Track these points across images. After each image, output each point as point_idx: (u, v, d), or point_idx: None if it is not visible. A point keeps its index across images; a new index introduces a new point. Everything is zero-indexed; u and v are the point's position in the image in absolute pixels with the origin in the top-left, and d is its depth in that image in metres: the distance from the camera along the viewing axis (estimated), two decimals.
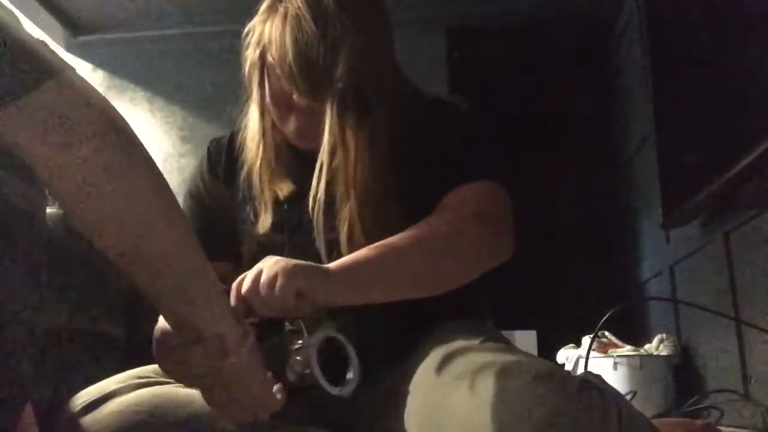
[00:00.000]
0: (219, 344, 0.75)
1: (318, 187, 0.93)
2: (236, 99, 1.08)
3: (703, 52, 1.74)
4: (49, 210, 0.80)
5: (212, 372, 0.76)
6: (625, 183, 2.93)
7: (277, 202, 1.02)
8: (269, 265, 0.82)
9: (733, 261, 1.79)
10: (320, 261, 0.92)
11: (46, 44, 0.67)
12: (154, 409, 0.87)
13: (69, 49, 2.95)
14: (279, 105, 0.99)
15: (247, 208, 1.05)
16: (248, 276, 0.82)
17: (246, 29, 1.02)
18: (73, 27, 2.94)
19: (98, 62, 2.99)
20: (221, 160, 1.11)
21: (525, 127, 3.00)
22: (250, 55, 1.01)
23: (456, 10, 2.89)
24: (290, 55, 0.91)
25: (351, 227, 0.93)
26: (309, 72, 0.91)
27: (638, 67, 2.52)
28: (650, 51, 2.25)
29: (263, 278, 0.80)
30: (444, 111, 1.06)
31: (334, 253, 0.93)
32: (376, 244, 0.89)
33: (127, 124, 0.71)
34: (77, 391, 0.92)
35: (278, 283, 0.79)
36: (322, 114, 0.93)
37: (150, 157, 0.72)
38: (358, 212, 0.93)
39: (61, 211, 1.39)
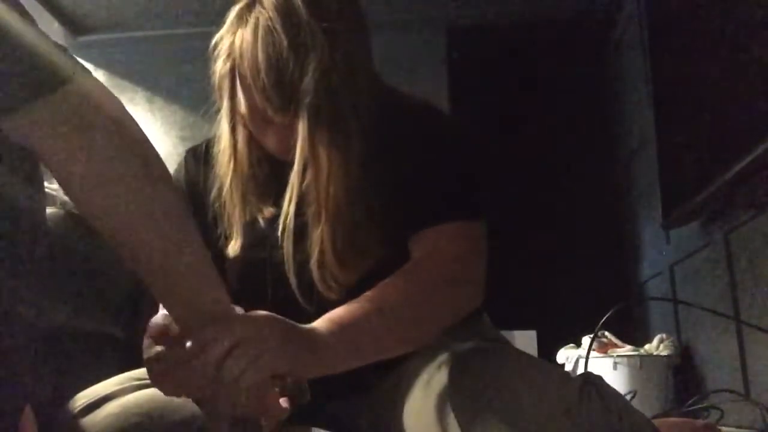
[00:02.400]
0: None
1: (288, 208, 0.88)
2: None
3: (703, 53, 1.74)
4: (49, 210, 0.80)
5: (214, 379, 0.73)
6: (625, 183, 2.93)
7: (253, 220, 0.97)
8: (247, 337, 0.71)
9: (733, 261, 1.79)
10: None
11: (66, 48, 0.67)
12: (153, 411, 0.87)
13: (69, 49, 2.95)
14: (255, 118, 0.94)
15: (222, 225, 1.00)
16: (218, 340, 0.70)
17: (214, 40, 0.97)
18: (73, 27, 2.94)
19: (98, 62, 2.99)
20: (199, 172, 1.06)
21: (524, 127, 3.00)
22: (220, 67, 0.96)
23: (456, 10, 2.90)
24: (263, 71, 0.87)
25: (322, 251, 0.88)
26: (282, 87, 0.87)
27: (638, 68, 2.52)
28: (650, 51, 2.25)
29: (238, 351, 0.70)
30: (426, 127, 0.98)
31: (306, 276, 0.89)
32: (363, 305, 0.82)
33: (142, 131, 0.71)
34: (77, 392, 0.92)
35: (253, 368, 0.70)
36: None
37: (166, 169, 0.72)
38: (330, 235, 0.88)
39: (61, 211, 1.39)
